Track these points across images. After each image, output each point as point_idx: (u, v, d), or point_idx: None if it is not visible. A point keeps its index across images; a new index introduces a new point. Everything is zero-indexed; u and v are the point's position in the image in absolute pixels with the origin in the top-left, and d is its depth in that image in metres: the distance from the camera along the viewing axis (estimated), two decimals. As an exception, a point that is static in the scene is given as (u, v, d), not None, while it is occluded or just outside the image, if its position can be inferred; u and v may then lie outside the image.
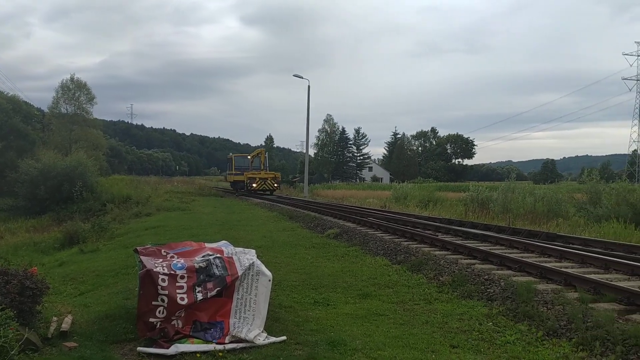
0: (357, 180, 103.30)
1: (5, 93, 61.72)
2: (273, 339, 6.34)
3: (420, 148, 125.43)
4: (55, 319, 6.66)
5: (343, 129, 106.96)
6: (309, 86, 42.62)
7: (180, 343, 6.08)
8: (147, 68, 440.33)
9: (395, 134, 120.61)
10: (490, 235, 13.51)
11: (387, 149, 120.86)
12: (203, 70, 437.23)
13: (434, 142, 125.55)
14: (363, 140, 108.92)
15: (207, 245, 7.69)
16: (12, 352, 5.15)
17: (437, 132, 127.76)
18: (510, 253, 11.08)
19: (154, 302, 6.22)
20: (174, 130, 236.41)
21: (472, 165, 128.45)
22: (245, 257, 7.04)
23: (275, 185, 41.48)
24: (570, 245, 12.13)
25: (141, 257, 6.71)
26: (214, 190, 48.59)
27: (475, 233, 14.08)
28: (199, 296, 6.39)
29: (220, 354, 5.88)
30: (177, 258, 6.85)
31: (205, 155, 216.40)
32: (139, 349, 5.99)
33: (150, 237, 15.95)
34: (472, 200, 27.22)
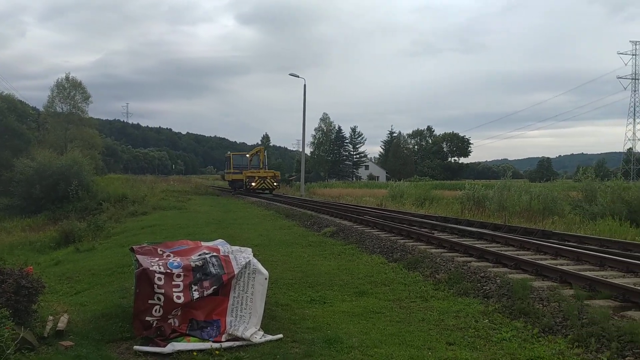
0: (354, 178, 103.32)
1: (0, 92, 61.48)
2: (269, 337, 6.34)
3: (416, 146, 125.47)
4: (51, 318, 6.64)
5: (339, 127, 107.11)
6: (305, 85, 42.62)
7: (176, 341, 6.08)
8: (143, 67, 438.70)
9: (391, 133, 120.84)
10: (486, 233, 13.55)
11: (383, 147, 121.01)
12: (199, 69, 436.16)
13: (430, 141, 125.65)
14: (359, 138, 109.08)
15: (204, 243, 7.68)
16: (8, 352, 5.13)
17: (433, 131, 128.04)
18: (506, 251, 11.13)
19: (150, 301, 6.21)
20: (170, 129, 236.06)
21: (468, 164, 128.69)
22: (242, 256, 7.04)
23: (275, 184, 40.79)
24: (566, 243, 12.18)
25: (137, 255, 6.71)
26: (210, 189, 48.48)
27: (471, 231, 14.12)
28: (196, 295, 6.39)
29: (217, 352, 5.88)
30: (174, 257, 6.84)
31: (202, 154, 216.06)
32: (136, 347, 5.98)
33: (146, 236, 15.93)
34: (468, 198, 27.28)
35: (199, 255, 6.94)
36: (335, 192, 48.31)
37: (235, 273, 6.71)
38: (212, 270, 6.65)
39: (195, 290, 6.41)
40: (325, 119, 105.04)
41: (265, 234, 16.37)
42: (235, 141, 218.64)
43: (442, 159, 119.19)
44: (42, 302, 6.83)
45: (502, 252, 10.46)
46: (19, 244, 21.78)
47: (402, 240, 13.19)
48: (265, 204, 29.40)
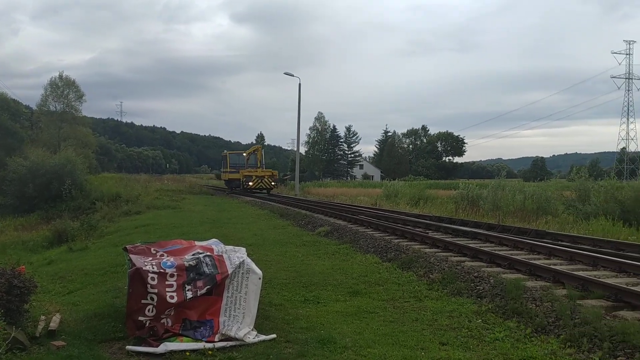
0: (348, 178, 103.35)
1: (-7, 91, 61.13)
2: (263, 337, 6.33)
3: (411, 146, 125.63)
4: (43, 317, 6.61)
5: (334, 127, 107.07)
6: (299, 84, 42.57)
7: (169, 341, 6.06)
8: (137, 66, 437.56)
9: (386, 132, 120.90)
10: (480, 233, 13.58)
11: (378, 146, 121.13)
12: (193, 68, 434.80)
13: (425, 140, 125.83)
14: (354, 138, 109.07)
15: (197, 243, 7.67)
16: (-1, 351, 5.11)
17: (428, 130, 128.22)
18: (500, 250, 11.15)
19: (143, 301, 6.19)
20: (164, 128, 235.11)
21: (462, 163, 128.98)
22: (236, 255, 7.02)
23: (273, 183, 40.21)
24: (559, 243, 12.22)
25: (130, 255, 6.68)
26: (205, 188, 48.39)
27: (465, 230, 14.15)
28: (189, 294, 6.37)
29: (210, 352, 5.86)
30: (167, 256, 6.82)
31: (196, 153, 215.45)
32: (128, 347, 5.96)
33: (140, 235, 15.89)
34: (463, 198, 27.33)
35: (193, 254, 6.92)
36: (330, 191, 48.27)
37: (229, 273, 6.70)
38: (206, 269, 6.63)
39: (188, 290, 6.39)
40: (320, 118, 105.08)
41: (259, 233, 16.35)
42: (229, 140, 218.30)
43: (436, 159, 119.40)
44: (34, 301, 6.79)
45: (496, 252, 10.49)
46: (12, 243, 21.65)
47: (397, 240, 13.21)
48: (260, 204, 29.37)
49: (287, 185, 55.78)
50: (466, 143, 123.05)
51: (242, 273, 6.82)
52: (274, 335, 6.40)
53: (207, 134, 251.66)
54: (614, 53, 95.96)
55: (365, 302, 8.11)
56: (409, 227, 15.62)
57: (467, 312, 7.44)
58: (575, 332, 6.15)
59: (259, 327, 6.63)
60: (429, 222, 16.48)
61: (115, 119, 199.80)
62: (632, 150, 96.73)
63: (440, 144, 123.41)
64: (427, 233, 13.82)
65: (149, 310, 6.19)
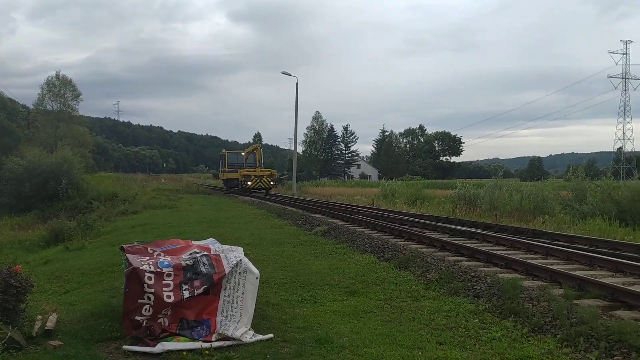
0: (346, 177, 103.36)
1: (-11, 90, 61.00)
2: (260, 337, 6.33)
3: (408, 145, 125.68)
4: (39, 317, 6.59)
5: (331, 126, 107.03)
6: (297, 83, 42.55)
7: (166, 341, 6.05)
8: (134, 65, 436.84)
9: (383, 132, 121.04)
10: (477, 232, 13.60)
11: (375, 146, 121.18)
12: (191, 67, 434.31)
13: (422, 140, 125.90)
14: (351, 137, 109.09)
15: (194, 243, 7.65)
16: (-5, 351, 5.09)
17: (425, 130, 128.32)
18: (497, 250, 11.17)
19: (140, 300, 6.18)
20: (161, 128, 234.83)
21: (459, 163, 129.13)
22: (233, 255, 7.02)
23: (272, 183, 39.84)
24: (556, 242, 12.25)
25: (127, 255, 6.67)
26: (202, 187, 48.32)
27: (463, 230, 14.17)
28: (186, 294, 6.35)
29: (207, 352, 5.85)
30: (164, 256, 6.80)
31: (193, 152, 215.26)
32: (125, 347, 5.95)
33: (137, 235, 15.86)
34: (460, 197, 27.36)
35: (190, 254, 6.91)
36: (327, 191, 48.27)
37: (226, 272, 6.69)
38: (203, 269, 6.62)
39: (185, 290, 6.38)
40: (317, 117, 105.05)
41: (256, 233, 16.33)
42: (227, 140, 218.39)
43: (433, 158, 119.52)
44: (31, 301, 6.78)
45: (493, 252, 10.51)
46: (8, 243, 21.57)
47: (394, 240, 13.21)
48: (257, 203, 29.35)
49: (285, 184, 55.77)
50: (463, 143, 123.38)
51: (240, 272, 6.81)
52: (271, 335, 6.39)
53: (204, 134, 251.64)
54: (611, 53, 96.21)
55: (362, 302, 8.11)
56: (406, 226, 15.63)
57: (464, 312, 7.44)
58: (572, 332, 6.16)
59: (256, 327, 6.62)
60: (426, 222, 16.51)
61: (112, 118, 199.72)
62: (629, 150, 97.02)
63: (438, 143, 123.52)
64: (425, 233, 13.84)
65: (145, 310, 6.18)
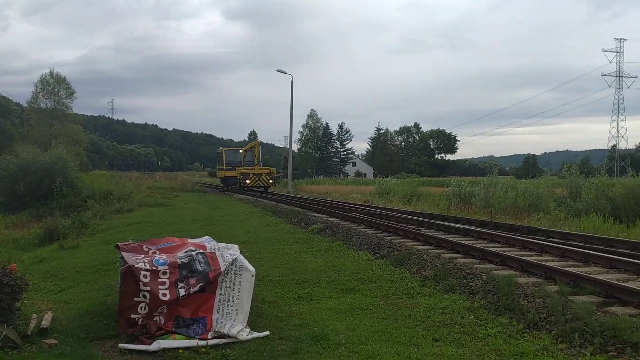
0: (341, 175, 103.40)
1: (-18, 88, 60.70)
2: (256, 334, 6.33)
3: (403, 143, 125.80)
4: (35, 316, 6.57)
5: (327, 124, 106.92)
6: (292, 81, 42.51)
7: (162, 339, 6.04)
8: (128, 63, 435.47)
9: (378, 129, 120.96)
10: (473, 230, 13.64)
11: (370, 144, 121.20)
12: (185, 65, 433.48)
13: (417, 138, 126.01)
14: (347, 135, 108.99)
15: (190, 240, 7.65)
16: (-10, 350, 5.07)
17: (420, 128, 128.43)
18: (492, 247, 11.19)
19: (135, 299, 6.16)
20: (156, 126, 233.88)
21: (454, 161, 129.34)
22: (228, 253, 7.01)
23: (271, 181, 39.24)
24: (551, 239, 12.29)
25: (122, 253, 6.65)
26: (197, 186, 48.22)
27: (458, 228, 14.20)
28: (182, 292, 6.35)
29: (203, 349, 5.85)
30: (159, 254, 6.79)
31: (188, 150, 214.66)
32: (121, 345, 5.94)
33: (132, 233, 15.82)
34: (455, 195, 27.42)
35: (185, 252, 6.90)
36: (323, 188, 48.30)
37: (222, 270, 6.68)
38: (199, 267, 6.61)
39: (181, 288, 6.37)
40: (312, 115, 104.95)
41: (252, 231, 16.32)
42: (222, 137, 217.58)
43: (428, 156, 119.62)
44: (26, 299, 6.75)
45: (488, 249, 10.53)
46: (2, 242, 21.44)
47: (389, 237, 13.23)
48: (253, 201, 29.32)
49: (280, 182, 55.74)
50: (458, 140, 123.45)
51: (235, 270, 6.81)
52: (267, 333, 6.40)
53: (199, 132, 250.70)
54: (605, 51, 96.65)
55: (358, 299, 8.12)
56: (401, 224, 15.65)
57: (460, 309, 7.47)
58: (567, 328, 6.19)
59: (252, 324, 6.62)
60: (422, 220, 16.53)
61: (107, 116, 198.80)
62: (623, 147, 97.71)
63: (433, 141, 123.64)
64: (420, 230, 13.86)
65: (141, 308, 6.16)
